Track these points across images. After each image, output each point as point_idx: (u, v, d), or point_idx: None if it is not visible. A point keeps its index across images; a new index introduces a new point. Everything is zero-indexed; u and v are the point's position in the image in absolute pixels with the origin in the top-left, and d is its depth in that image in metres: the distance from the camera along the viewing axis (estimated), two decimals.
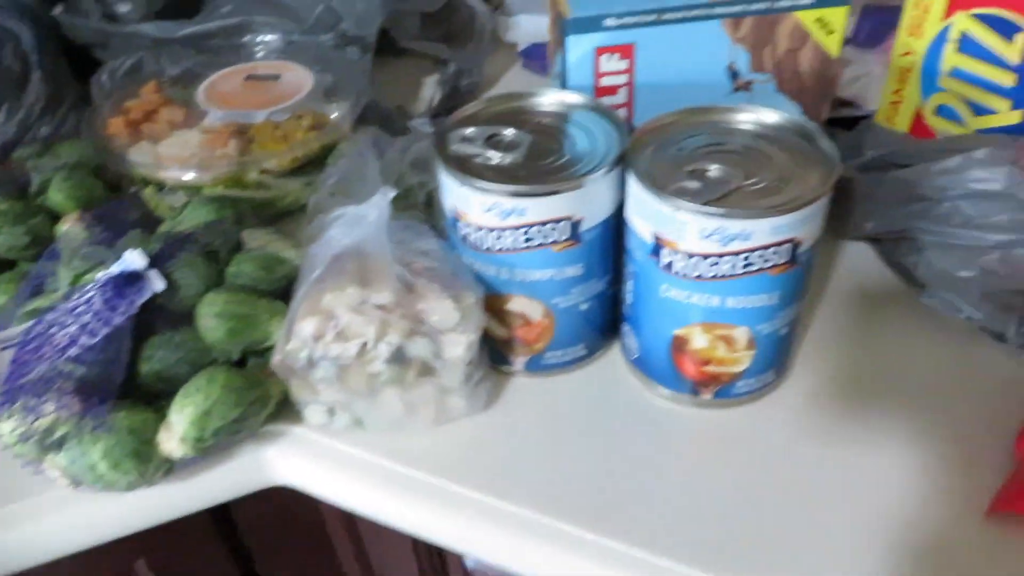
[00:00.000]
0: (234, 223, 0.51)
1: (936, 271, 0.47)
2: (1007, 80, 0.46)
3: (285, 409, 0.45)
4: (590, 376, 0.48)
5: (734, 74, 0.48)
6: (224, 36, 0.69)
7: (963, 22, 0.46)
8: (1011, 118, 0.46)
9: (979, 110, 0.48)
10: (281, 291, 0.46)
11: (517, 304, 0.45)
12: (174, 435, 0.41)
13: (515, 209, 0.40)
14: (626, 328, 0.47)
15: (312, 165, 0.59)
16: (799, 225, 0.38)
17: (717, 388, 0.44)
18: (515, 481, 0.42)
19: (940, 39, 0.48)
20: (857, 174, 0.51)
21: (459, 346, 0.41)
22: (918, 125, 0.51)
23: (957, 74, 0.48)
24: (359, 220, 0.44)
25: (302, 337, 0.41)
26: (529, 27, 0.77)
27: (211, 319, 0.43)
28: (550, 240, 0.42)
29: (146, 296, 0.43)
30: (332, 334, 0.40)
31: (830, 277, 0.53)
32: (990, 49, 0.46)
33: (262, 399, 0.44)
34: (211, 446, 0.41)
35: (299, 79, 0.64)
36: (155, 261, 0.44)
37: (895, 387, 0.46)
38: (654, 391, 0.46)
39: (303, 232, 0.51)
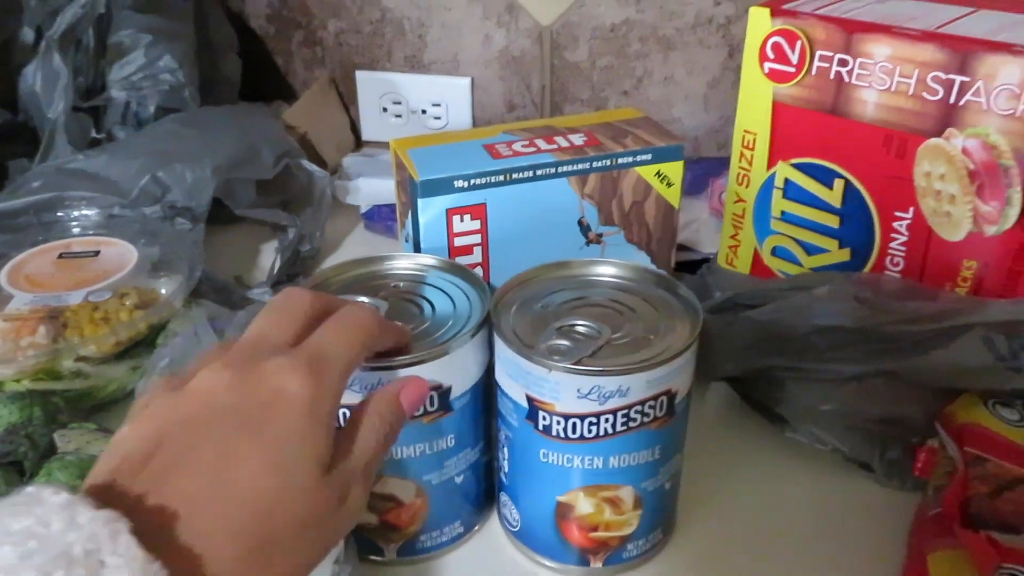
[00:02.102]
0: (44, 423, 0.44)
1: (798, 407, 0.48)
2: (832, 222, 0.49)
3: None
4: (470, 555, 0.44)
5: (585, 228, 0.49)
6: (34, 213, 0.63)
7: (785, 171, 0.50)
8: (841, 256, 0.49)
9: (811, 250, 0.51)
10: None
11: (387, 486, 0.40)
12: None
13: (379, 382, 0.37)
14: (504, 498, 0.43)
15: (140, 347, 0.53)
16: (674, 376, 0.38)
17: (607, 554, 0.41)
18: None
19: (767, 187, 0.51)
20: (709, 316, 0.52)
21: None
22: (758, 266, 0.54)
23: (787, 218, 0.51)
24: None
25: None
26: (369, 190, 0.77)
27: None
28: (419, 412, 0.38)
29: None
30: None
31: (696, 421, 0.53)
32: (814, 194, 0.49)
33: None
34: None
35: (121, 254, 0.59)
36: None
37: (776, 527, 0.45)
38: (540, 564, 0.42)
39: None
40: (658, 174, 0.48)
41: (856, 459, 0.48)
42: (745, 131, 0.51)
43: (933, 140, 0.43)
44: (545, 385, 0.37)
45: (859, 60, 0.44)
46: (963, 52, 0.41)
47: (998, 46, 0.40)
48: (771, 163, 0.50)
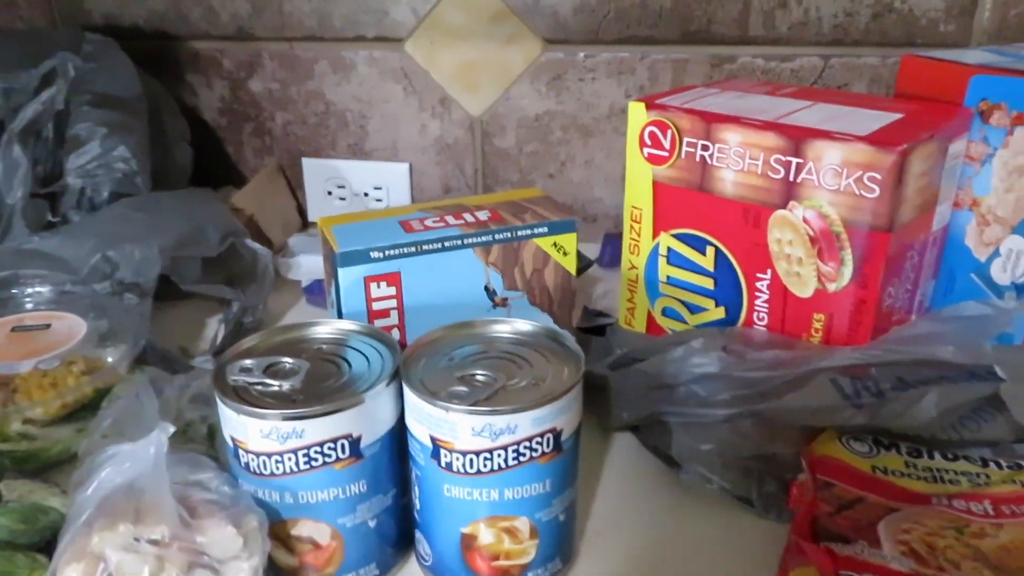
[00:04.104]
0: None
1: (684, 448, 0.53)
2: (708, 284, 0.56)
3: None
4: None
5: (491, 293, 0.55)
6: None
7: (667, 241, 0.57)
8: (718, 314, 0.56)
9: (694, 309, 0.57)
10: (45, 544, 0.43)
11: (304, 528, 0.44)
12: None
13: (293, 432, 0.42)
14: (418, 535, 0.48)
15: (85, 410, 0.57)
16: (558, 415, 0.43)
17: None
18: None
19: (654, 255, 0.58)
20: (610, 372, 0.58)
21: (243, 573, 0.40)
22: (652, 325, 0.60)
23: (672, 282, 0.58)
24: (133, 458, 0.43)
25: None
26: (310, 266, 0.83)
27: None
28: (332, 459, 0.43)
29: None
30: None
31: (603, 467, 0.58)
32: (691, 260, 0.56)
33: None
34: None
35: (71, 327, 0.63)
36: None
37: (669, 559, 0.50)
38: None
39: (72, 478, 0.49)
40: (555, 244, 0.55)
41: (737, 495, 0.53)
42: (633, 207, 0.58)
43: (780, 211, 0.51)
44: (445, 425, 0.42)
45: (718, 145, 0.52)
46: (796, 138, 0.49)
47: (822, 133, 0.48)
48: (655, 234, 0.57)
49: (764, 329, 0.54)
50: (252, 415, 0.42)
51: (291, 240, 0.92)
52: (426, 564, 0.48)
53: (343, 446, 0.43)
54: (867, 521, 0.42)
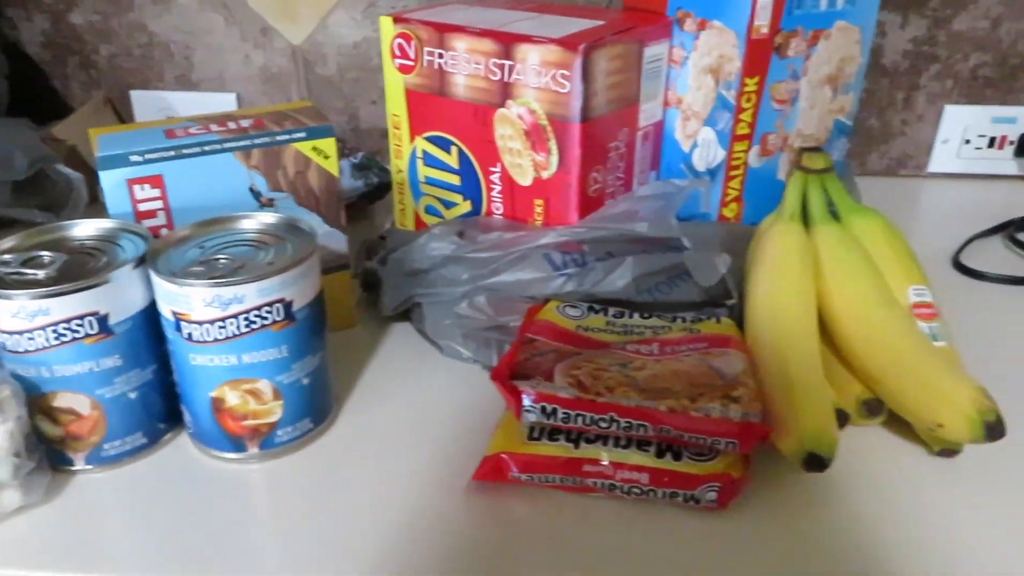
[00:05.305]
0: None
1: (435, 326, 0.60)
2: (455, 180, 0.62)
3: None
4: (158, 461, 0.53)
5: (256, 194, 0.60)
6: None
7: (422, 144, 0.63)
8: (466, 207, 0.63)
9: (448, 204, 0.64)
10: None
11: (64, 400, 0.50)
12: None
13: (40, 310, 0.47)
14: (182, 407, 0.53)
15: None
16: (285, 286, 0.49)
17: (261, 440, 0.52)
18: (88, 559, 0.46)
19: (413, 158, 0.64)
20: (380, 267, 0.65)
21: None
22: (419, 223, 0.67)
23: (430, 181, 0.64)
24: None
25: None
26: None
27: None
28: (81, 335, 0.48)
29: None
30: None
31: (379, 349, 0.65)
32: (441, 160, 0.62)
33: None
34: None
35: None
36: None
37: (419, 421, 0.57)
38: (213, 457, 0.53)
39: None
40: (314, 148, 0.60)
41: (480, 362, 0.61)
42: (393, 114, 0.64)
43: (501, 110, 0.57)
44: (181, 299, 0.48)
45: (450, 53, 0.58)
46: (507, 43, 0.55)
47: (526, 38, 0.54)
48: (412, 138, 0.63)
49: (499, 216, 0.61)
50: (1, 297, 0.47)
51: None
52: (191, 432, 0.54)
53: (91, 323, 0.48)
54: (551, 364, 0.50)
